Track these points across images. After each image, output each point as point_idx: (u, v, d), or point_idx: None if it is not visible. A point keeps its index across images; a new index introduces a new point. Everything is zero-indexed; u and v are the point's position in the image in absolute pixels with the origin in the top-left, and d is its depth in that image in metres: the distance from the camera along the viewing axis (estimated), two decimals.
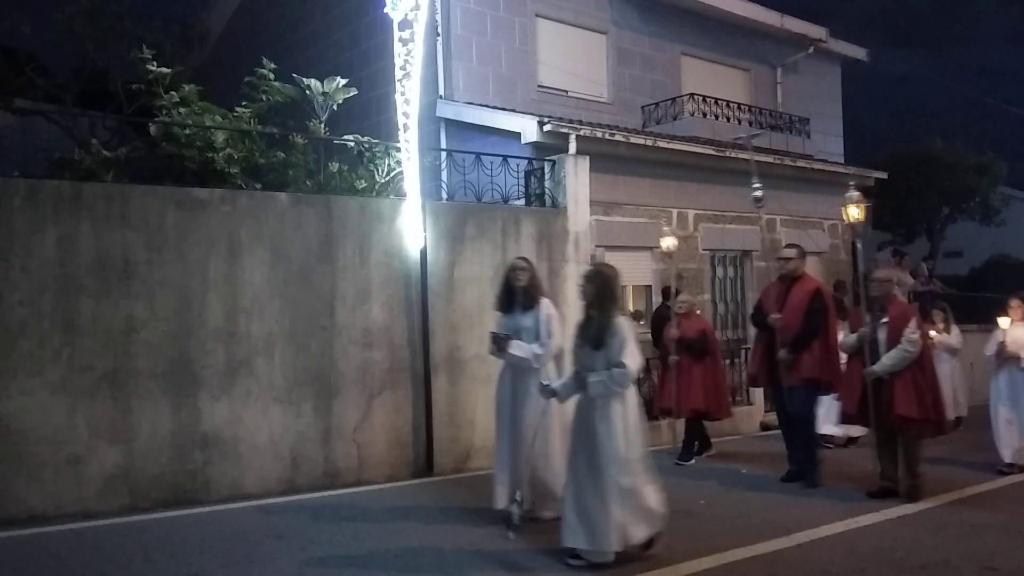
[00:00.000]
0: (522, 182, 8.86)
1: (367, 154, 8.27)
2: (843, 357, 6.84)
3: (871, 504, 5.92)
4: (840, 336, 6.97)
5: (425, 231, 7.43)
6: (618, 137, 9.96)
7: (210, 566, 4.69)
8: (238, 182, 7.40)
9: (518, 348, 5.36)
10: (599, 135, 9.71)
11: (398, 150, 7.63)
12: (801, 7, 14.47)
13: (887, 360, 6.12)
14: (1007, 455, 7.37)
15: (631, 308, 10.82)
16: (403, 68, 7.26)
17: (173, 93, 7.66)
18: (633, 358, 4.55)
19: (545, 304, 5.54)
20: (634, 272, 10.64)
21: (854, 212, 6.97)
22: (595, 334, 4.63)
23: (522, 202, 8.80)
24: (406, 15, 7.19)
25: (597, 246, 9.58)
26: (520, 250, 8.16)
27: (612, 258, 9.98)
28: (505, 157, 8.57)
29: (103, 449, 6.07)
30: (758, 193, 7.97)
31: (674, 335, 8.04)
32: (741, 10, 13.45)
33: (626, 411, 4.59)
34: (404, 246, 7.41)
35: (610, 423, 4.54)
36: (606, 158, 9.66)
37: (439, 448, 7.42)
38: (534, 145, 9.32)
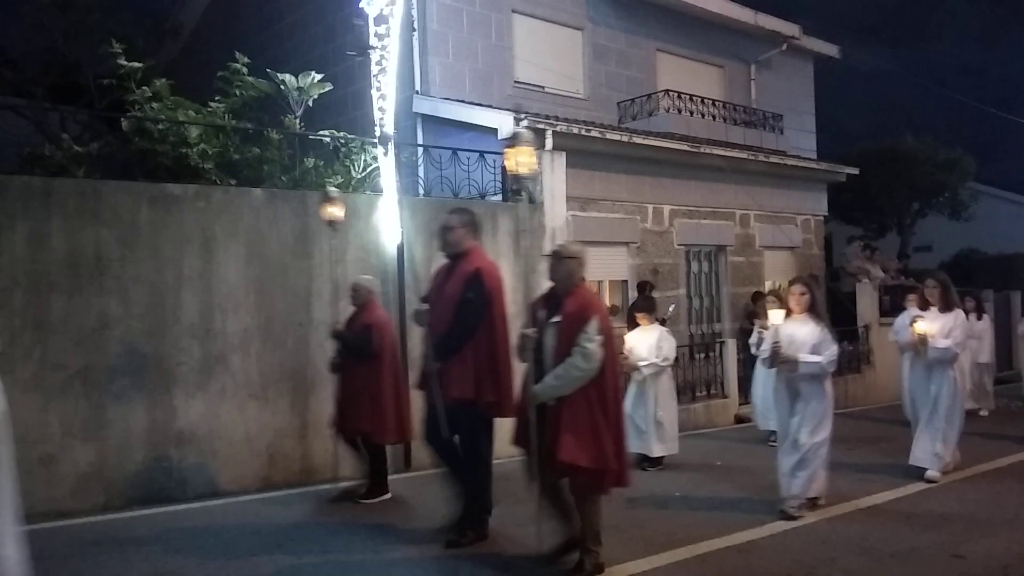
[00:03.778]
0: (499, 178, 8.87)
1: (343, 150, 8.25)
2: None
3: (843, 493, 6.00)
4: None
5: (402, 227, 7.43)
6: (594, 133, 10.01)
7: (186, 563, 4.67)
8: (212, 178, 7.35)
9: None
10: (575, 131, 9.75)
11: (374, 145, 7.61)
12: (775, 4, 14.63)
13: (551, 379, 4.27)
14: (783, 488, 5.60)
15: (608, 303, 10.90)
16: (379, 63, 7.24)
17: (145, 88, 7.58)
18: None
19: None
20: (611, 267, 10.73)
21: (521, 160, 4.80)
22: None
23: (499, 198, 8.82)
24: (382, 10, 7.17)
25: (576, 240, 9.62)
26: (497, 245, 8.19)
27: (588, 253, 10.05)
28: (482, 153, 8.58)
29: (76, 448, 6.02)
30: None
31: (337, 330, 6.18)
32: (716, 7, 13.56)
33: None
34: (381, 242, 7.40)
35: None
36: (582, 154, 9.70)
37: (416, 443, 7.41)
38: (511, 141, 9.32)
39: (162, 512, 5.90)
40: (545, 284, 4.69)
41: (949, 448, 6.60)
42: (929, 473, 6.51)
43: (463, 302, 4.82)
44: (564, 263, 4.51)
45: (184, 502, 6.18)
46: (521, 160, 4.77)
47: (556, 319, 4.38)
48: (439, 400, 4.82)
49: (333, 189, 6.67)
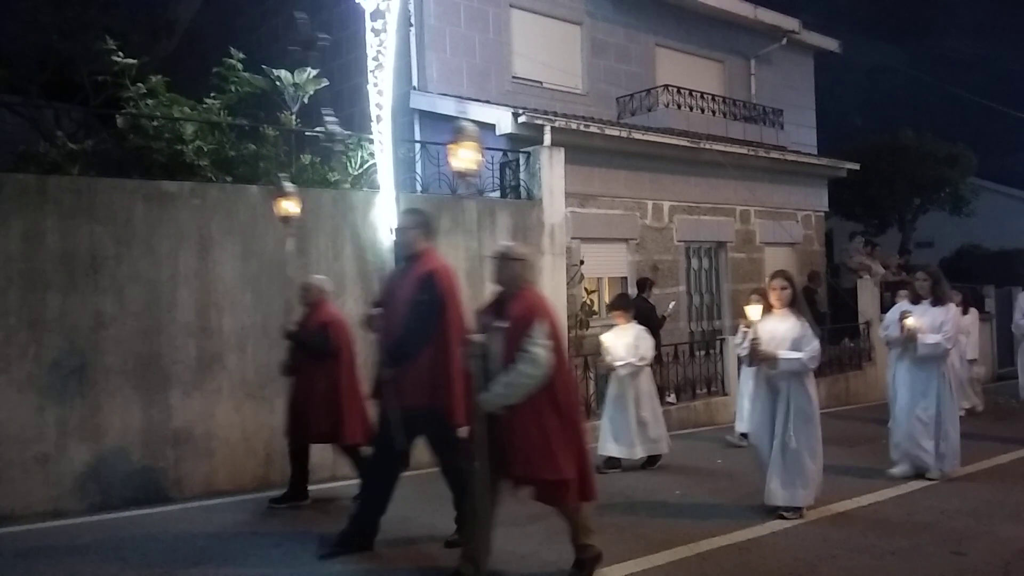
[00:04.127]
0: (497, 174, 8.84)
1: (339, 146, 8.21)
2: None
3: (842, 491, 5.97)
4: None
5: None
6: (593, 129, 9.97)
7: (182, 563, 4.64)
8: (208, 175, 7.30)
9: None
10: (574, 127, 9.70)
11: (371, 142, 7.56)
12: None
13: (499, 387, 4.04)
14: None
15: (606, 300, 10.86)
16: (376, 59, 7.18)
17: (140, 85, 7.53)
18: None
19: None
20: (610, 264, 10.70)
21: (465, 156, 4.44)
22: None
23: (497, 194, 8.78)
24: (378, 5, 7.10)
25: (573, 238, 9.59)
26: (495, 242, 8.14)
27: (588, 250, 10.06)
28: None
29: (72, 447, 5.98)
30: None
31: (291, 330, 5.91)
32: (715, 1, 13.50)
33: None
34: (378, 239, 7.35)
35: None
36: (581, 150, 9.66)
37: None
38: (509, 137, 9.30)
39: (158, 512, 5.87)
40: (492, 288, 4.45)
41: (952, 445, 6.43)
42: (930, 471, 6.41)
43: (416, 304, 4.57)
44: (510, 265, 4.23)
45: (181, 502, 6.15)
46: (465, 156, 4.36)
47: (502, 324, 4.11)
48: (394, 409, 4.56)
49: (288, 183, 6.18)
